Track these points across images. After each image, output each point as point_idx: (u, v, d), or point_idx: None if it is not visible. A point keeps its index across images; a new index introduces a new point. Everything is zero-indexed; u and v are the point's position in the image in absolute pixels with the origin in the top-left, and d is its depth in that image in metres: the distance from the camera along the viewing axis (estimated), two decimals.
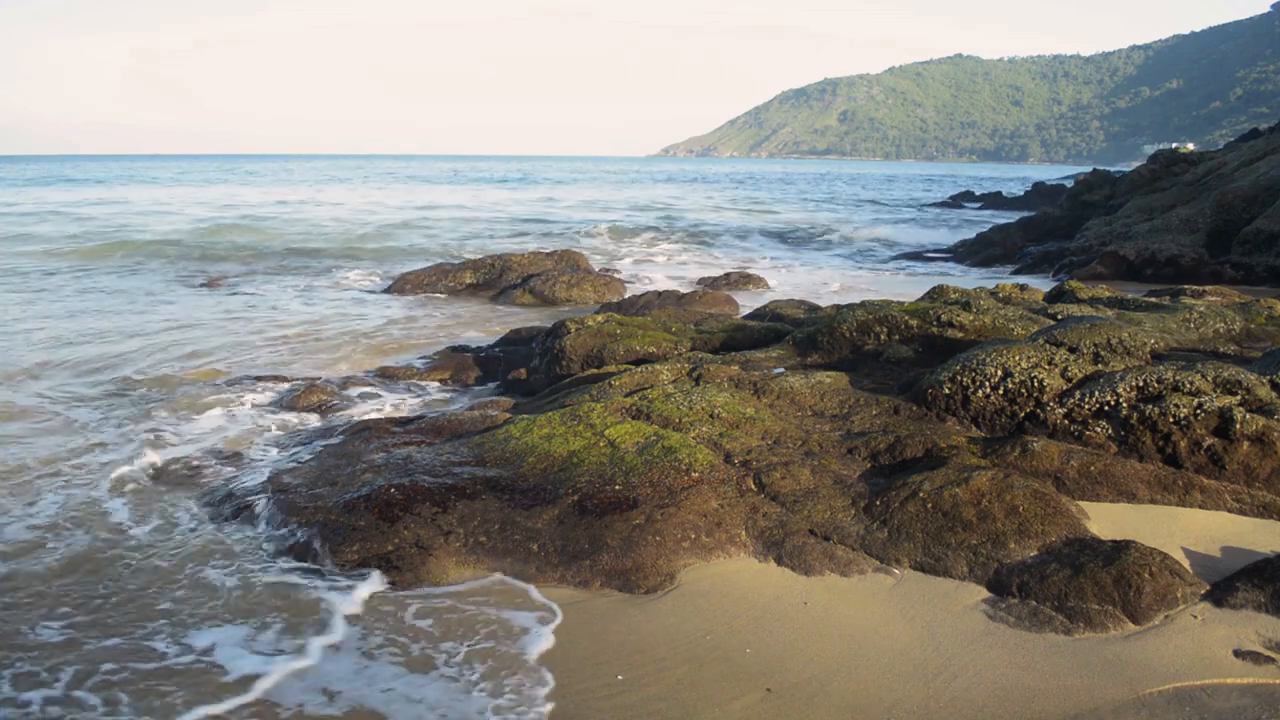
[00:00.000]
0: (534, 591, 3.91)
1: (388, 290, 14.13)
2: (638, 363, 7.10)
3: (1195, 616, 3.53)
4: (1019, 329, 6.70)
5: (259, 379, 7.99)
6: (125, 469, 5.50)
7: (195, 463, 5.69)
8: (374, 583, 3.94)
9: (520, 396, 7.35)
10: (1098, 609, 3.55)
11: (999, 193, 45.92)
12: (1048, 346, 5.40)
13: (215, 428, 6.56)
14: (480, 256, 15.65)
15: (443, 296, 13.66)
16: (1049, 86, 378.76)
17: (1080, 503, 4.36)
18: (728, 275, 15.03)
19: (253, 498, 4.83)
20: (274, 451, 5.93)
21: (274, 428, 6.54)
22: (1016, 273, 17.84)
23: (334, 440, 5.79)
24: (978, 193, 47.85)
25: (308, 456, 5.48)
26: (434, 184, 59.59)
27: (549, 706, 3.12)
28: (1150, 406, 4.73)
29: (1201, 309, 7.32)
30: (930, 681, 3.21)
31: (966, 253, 21.04)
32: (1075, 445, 4.77)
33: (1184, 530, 4.16)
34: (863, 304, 7.64)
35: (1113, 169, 30.25)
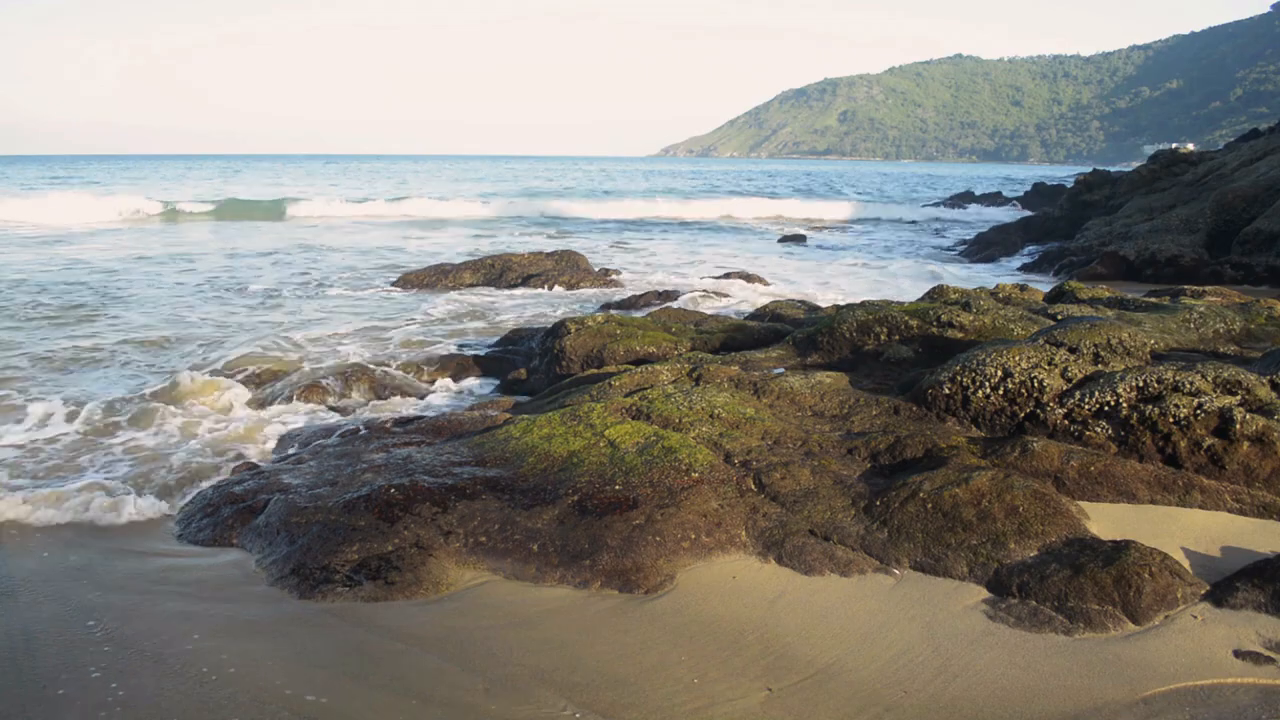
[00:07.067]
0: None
1: (387, 292, 14.12)
2: (638, 363, 7.10)
3: (1195, 617, 3.53)
4: (1019, 329, 6.70)
5: (259, 378, 7.98)
6: (113, 472, 5.49)
7: (193, 462, 5.69)
8: None
9: (520, 396, 7.35)
10: (1098, 609, 3.55)
11: (999, 193, 45.81)
12: (1048, 347, 5.40)
13: (213, 426, 6.55)
14: (480, 257, 15.65)
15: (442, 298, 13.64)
16: (1049, 87, 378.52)
17: (1080, 503, 4.36)
18: (728, 275, 15.03)
19: (252, 498, 4.83)
20: (273, 451, 5.93)
21: (273, 427, 6.53)
22: (1022, 269, 17.94)
23: (334, 440, 5.80)
24: (978, 192, 47.74)
25: (307, 456, 5.47)
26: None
27: None
28: (1150, 407, 4.72)
29: (1201, 309, 7.31)
30: (930, 682, 3.21)
31: (966, 253, 21.07)
32: (1075, 445, 4.77)
33: (1184, 530, 4.16)
34: (863, 304, 7.64)
35: (1113, 169, 30.24)
